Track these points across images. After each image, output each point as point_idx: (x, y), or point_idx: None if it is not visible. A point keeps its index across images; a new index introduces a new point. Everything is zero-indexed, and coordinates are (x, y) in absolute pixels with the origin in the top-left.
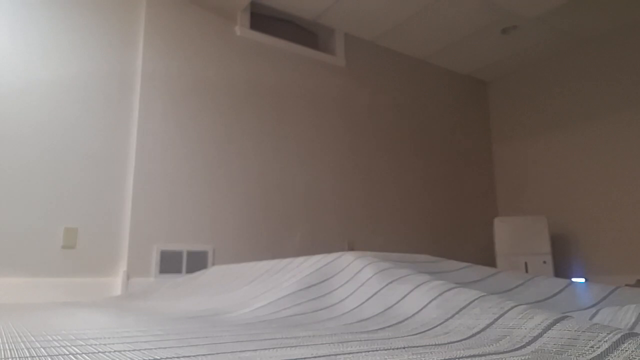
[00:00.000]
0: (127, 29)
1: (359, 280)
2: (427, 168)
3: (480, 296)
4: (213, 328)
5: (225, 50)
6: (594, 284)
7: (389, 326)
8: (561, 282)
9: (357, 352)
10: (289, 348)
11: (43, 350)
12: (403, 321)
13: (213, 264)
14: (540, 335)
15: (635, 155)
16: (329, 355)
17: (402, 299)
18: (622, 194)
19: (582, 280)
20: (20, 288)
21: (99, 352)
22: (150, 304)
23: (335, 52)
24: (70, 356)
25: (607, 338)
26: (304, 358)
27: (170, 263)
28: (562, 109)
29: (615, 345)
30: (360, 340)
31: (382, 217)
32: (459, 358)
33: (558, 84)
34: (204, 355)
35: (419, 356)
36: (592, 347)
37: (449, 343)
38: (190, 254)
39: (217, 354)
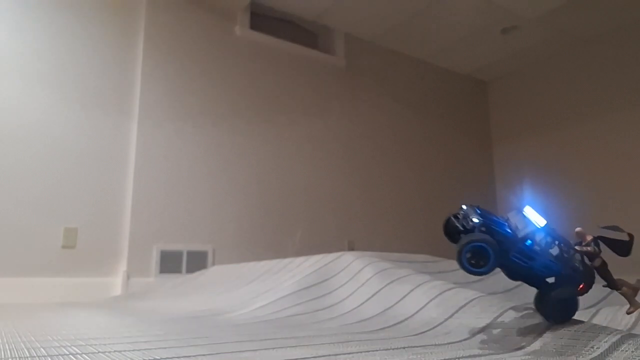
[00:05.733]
0: (127, 28)
1: (359, 280)
2: (427, 168)
3: (480, 296)
4: (213, 328)
5: (225, 50)
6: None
7: (389, 326)
8: None
9: (357, 352)
10: (289, 348)
11: (43, 350)
12: (403, 321)
13: (213, 264)
14: (540, 335)
15: (635, 155)
16: (329, 355)
17: (402, 299)
18: (622, 193)
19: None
20: (20, 288)
21: (99, 352)
22: (150, 304)
23: (335, 52)
24: (70, 356)
25: (607, 338)
26: (304, 358)
27: (170, 263)
28: (562, 109)
29: (615, 345)
30: (360, 341)
31: (382, 217)
32: (459, 358)
33: (558, 84)
34: (204, 355)
35: (419, 356)
36: (592, 347)
37: (449, 343)
38: (190, 254)
39: (217, 354)
